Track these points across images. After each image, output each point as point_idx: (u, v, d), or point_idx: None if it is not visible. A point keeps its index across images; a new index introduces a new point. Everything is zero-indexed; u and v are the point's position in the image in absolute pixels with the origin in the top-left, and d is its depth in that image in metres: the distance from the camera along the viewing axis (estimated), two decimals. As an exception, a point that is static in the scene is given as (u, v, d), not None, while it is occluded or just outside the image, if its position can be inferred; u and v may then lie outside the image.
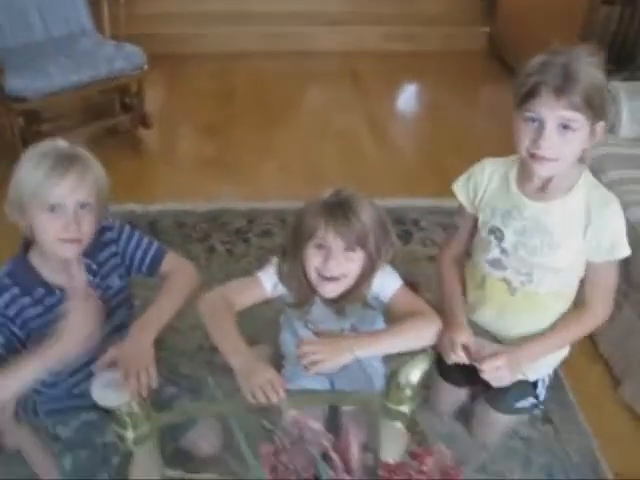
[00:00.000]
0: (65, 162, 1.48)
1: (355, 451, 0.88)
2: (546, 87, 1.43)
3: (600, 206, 1.58)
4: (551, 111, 1.44)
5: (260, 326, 2.11)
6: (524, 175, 1.63)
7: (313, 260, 1.59)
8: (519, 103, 1.49)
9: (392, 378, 1.45)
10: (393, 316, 1.74)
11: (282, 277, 1.69)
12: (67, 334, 1.42)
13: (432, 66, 4.66)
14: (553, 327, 1.73)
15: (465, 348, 1.67)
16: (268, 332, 2.04)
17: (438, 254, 1.91)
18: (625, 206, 2.19)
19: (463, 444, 2.09)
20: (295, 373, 1.77)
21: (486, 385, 1.71)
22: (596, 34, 3.46)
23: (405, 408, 1.46)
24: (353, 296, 1.67)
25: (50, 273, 1.58)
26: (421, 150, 3.80)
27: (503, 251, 1.69)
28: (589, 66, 1.44)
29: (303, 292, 1.69)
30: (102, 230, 1.65)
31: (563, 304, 1.76)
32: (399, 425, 1.49)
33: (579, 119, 1.44)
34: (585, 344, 2.45)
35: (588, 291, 1.69)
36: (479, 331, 1.81)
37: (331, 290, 1.63)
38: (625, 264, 2.18)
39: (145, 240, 1.73)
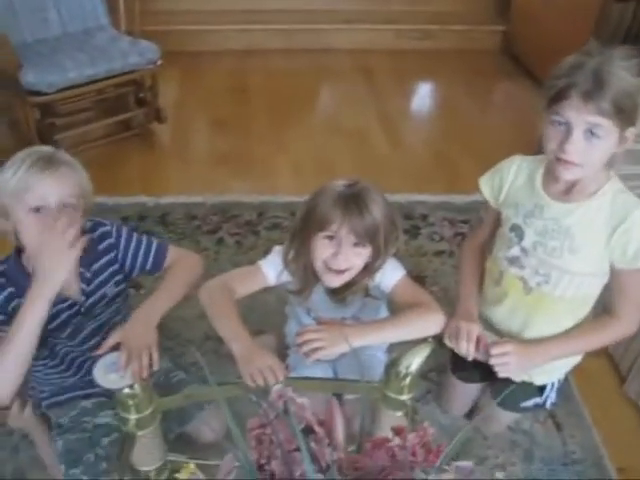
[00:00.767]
0: (45, 162, 1.48)
1: (339, 425, 0.90)
2: (575, 91, 1.39)
3: (625, 212, 1.53)
4: (578, 116, 1.41)
5: (265, 316, 2.14)
6: (550, 175, 1.60)
7: (322, 251, 1.60)
8: (548, 105, 1.46)
9: (392, 367, 1.44)
10: (395, 306, 1.75)
11: (287, 262, 1.70)
12: (47, 267, 1.45)
13: (445, 64, 4.66)
14: (575, 331, 1.70)
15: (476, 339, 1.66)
16: (273, 322, 2.06)
17: (462, 243, 1.90)
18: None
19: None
20: (299, 362, 1.79)
21: (494, 378, 1.70)
22: (610, 31, 3.45)
23: (404, 397, 1.47)
24: (355, 287, 1.69)
25: None
26: (432, 147, 3.80)
27: (523, 250, 1.68)
28: (622, 70, 1.39)
29: (306, 279, 1.70)
30: (100, 237, 1.66)
31: (578, 311, 1.73)
32: (399, 414, 1.50)
33: (606, 125, 1.40)
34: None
35: (616, 299, 1.64)
36: (490, 327, 1.82)
37: (335, 281, 1.64)
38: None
39: (144, 240, 1.73)
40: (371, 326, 1.63)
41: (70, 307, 1.63)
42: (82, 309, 1.65)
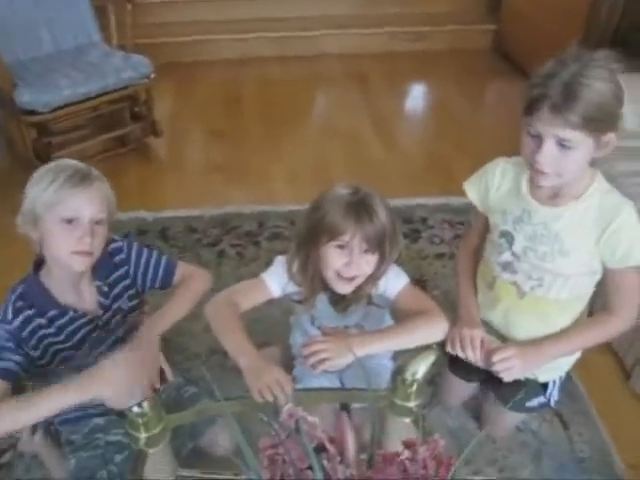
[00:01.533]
0: (81, 177, 1.51)
1: (350, 442, 0.90)
2: (546, 103, 1.38)
3: (613, 212, 1.52)
4: (548, 129, 1.40)
5: (270, 328, 2.14)
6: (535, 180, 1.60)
7: (334, 260, 1.59)
8: (523, 114, 1.46)
9: (398, 374, 1.45)
10: (399, 314, 1.75)
11: (292, 273, 1.70)
12: (112, 382, 1.42)
13: (438, 65, 4.66)
14: (573, 329, 1.69)
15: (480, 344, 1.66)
16: (278, 334, 2.06)
17: (457, 250, 1.91)
18: (630, 199, 2.20)
19: (472, 439, 2.10)
20: (306, 373, 1.79)
21: (496, 380, 1.69)
22: (599, 29, 3.46)
23: (411, 404, 1.48)
24: (359, 294, 1.69)
25: (61, 293, 1.60)
26: (428, 149, 3.81)
27: (514, 254, 1.67)
28: (596, 81, 1.36)
29: (312, 288, 1.70)
30: (112, 252, 1.67)
31: (573, 310, 1.73)
32: (406, 420, 1.51)
33: (577, 137, 1.39)
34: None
35: (610, 297, 1.62)
36: (490, 330, 1.80)
37: (346, 289, 1.64)
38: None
39: (154, 255, 1.75)
40: (375, 335, 1.63)
41: (89, 322, 1.64)
42: (100, 323, 1.66)
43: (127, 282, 1.72)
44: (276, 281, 1.72)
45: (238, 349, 1.56)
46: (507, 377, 1.62)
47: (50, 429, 1.71)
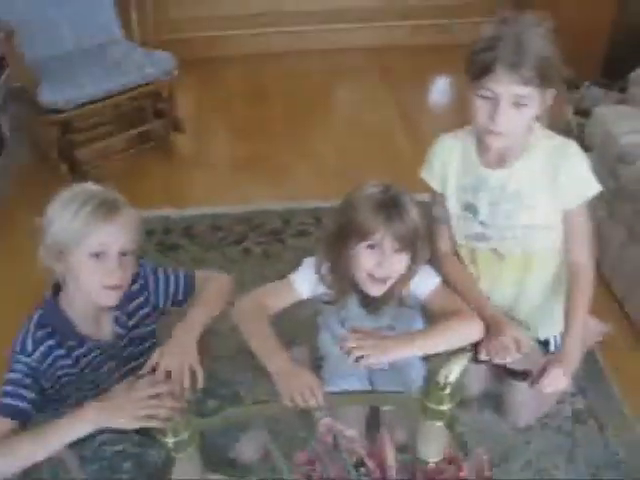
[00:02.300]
0: (109, 206, 1.46)
1: (391, 457, 0.87)
2: (498, 64, 1.44)
3: (561, 153, 1.60)
4: (504, 88, 1.46)
5: (297, 327, 2.10)
6: (482, 147, 1.65)
7: (365, 261, 1.56)
8: (474, 79, 1.51)
9: (431, 377, 1.41)
10: (431, 314, 1.73)
11: (321, 274, 1.67)
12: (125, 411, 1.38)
13: (462, 58, 4.58)
14: (567, 311, 1.68)
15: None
16: (305, 334, 2.03)
17: (435, 254, 1.82)
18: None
19: (506, 441, 2.07)
20: (334, 373, 1.76)
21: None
22: (631, 16, 3.39)
23: (445, 407, 1.44)
24: (391, 295, 1.66)
25: (81, 322, 1.56)
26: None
27: (482, 223, 1.70)
28: (538, 37, 1.46)
29: (343, 289, 1.67)
30: (133, 279, 1.61)
31: (554, 258, 1.77)
32: (439, 424, 1.47)
33: (531, 93, 1.47)
34: (628, 333, 2.43)
35: (571, 246, 1.69)
36: None
37: (378, 290, 1.61)
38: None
39: (171, 274, 1.71)
40: (411, 337, 1.58)
41: (103, 352, 1.61)
42: (113, 352, 1.63)
43: (146, 310, 1.68)
44: (305, 282, 1.69)
45: (267, 352, 1.54)
46: (554, 389, 1.59)
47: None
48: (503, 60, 1.44)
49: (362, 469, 0.83)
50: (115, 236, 1.46)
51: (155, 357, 1.49)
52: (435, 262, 1.77)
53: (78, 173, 3.24)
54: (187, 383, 1.47)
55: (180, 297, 1.71)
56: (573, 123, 2.99)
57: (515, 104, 1.48)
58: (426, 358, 1.83)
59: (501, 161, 1.64)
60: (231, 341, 2.30)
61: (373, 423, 1.82)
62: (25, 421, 1.45)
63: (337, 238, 1.61)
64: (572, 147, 1.63)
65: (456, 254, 1.82)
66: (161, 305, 1.70)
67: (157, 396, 1.39)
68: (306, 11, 4.76)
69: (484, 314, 1.63)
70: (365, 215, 1.53)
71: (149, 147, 3.63)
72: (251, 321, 1.60)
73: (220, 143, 3.83)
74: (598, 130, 2.57)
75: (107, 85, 3.15)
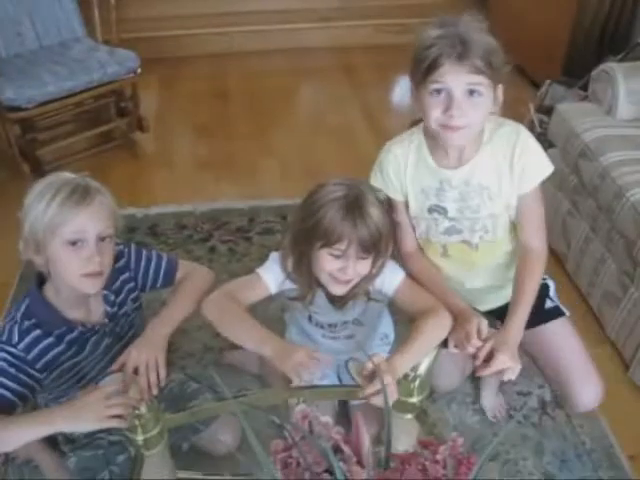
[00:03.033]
0: (81, 193, 1.43)
1: (366, 442, 0.87)
2: (447, 56, 1.45)
3: (515, 137, 1.62)
4: (457, 78, 1.46)
5: (265, 324, 2.10)
6: (437, 148, 1.65)
7: (328, 265, 1.55)
8: (423, 77, 1.50)
9: None
10: (400, 309, 1.74)
11: (286, 270, 1.66)
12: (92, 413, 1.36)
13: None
14: (514, 293, 1.68)
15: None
16: (273, 330, 2.02)
17: (398, 255, 1.81)
18: (627, 187, 2.20)
19: (473, 432, 2.09)
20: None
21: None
22: (589, 19, 3.45)
23: (414, 399, 1.46)
24: (356, 292, 1.66)
25: (68, 309, 1.55)
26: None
27: (452, 219, 1.71)
28: (480, 32, 1.49)
29: (308, 285, 1.66)
30: (115, 257, 1.60)
31: (511, 247, 1.79)
32: (409, 416, 1.48)
33: (483, 82, 1.47)
34: (591, 327, 2.47)
35: (524, 228, 1.70)
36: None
37: (341, 290, 1.61)
38: (628, 246, 2.18)
39: (154, 256, 1.71)
40: (409, 352, 1.51)
41: (96, 333, 1.60)
42: (107, 330, 1.63)
43: (130, 285, 1.68)
44: (272, 277, 1.68)
45: (258, 338, 1.53)
46: (512, 376, 1.58)
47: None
48: (450, 53, 1.44)
49: (337, 455, 0.83)
50: (90, 222, 1.44)
51: (126, 354, 1.49)
52: (401, 262, 1.77)
53: (40, 173, 3.18)
54: (154, 378, 1.47)
55: (159, 283, 1.72)
56: (536, 121, 3.03)
57: (469, 94, 1.48)
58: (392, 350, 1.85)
59: (460, 159, 1.64)
60: (198, 339, 2.33)
61: (342, 418, 1.84)
62: (6, 409, 1.43)
63: (301, 237, 1.59)
64: (522, 131, 1.64)
65: (421, 251, 1.82)
66: (140, 283, 1.70)
67: (123, 394, 1.37)
68: (268, 10, 4.77)
69: (450, 305, 1.64)
70: (330, 222, 1.50)
71: (112, 146, 3.59)
72: (229, 314, 1.57)
73: (184, 142, 3.79)
74: (561, 127, 2.61)
75: (69, 83, 3.10)
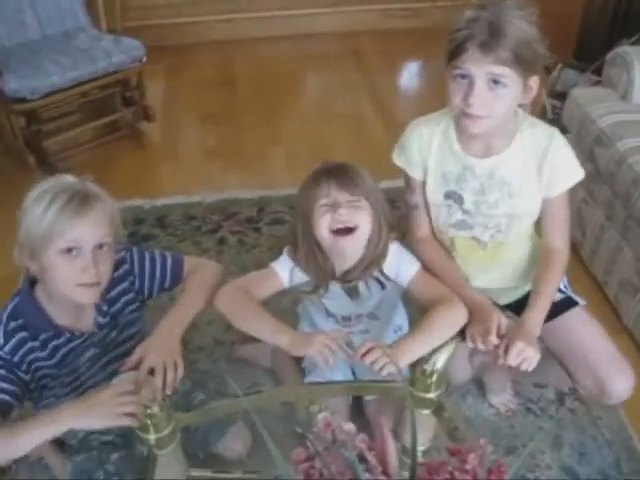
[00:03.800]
0: (79, 200, 1.39)
1: (392, 451, 0.83)
2: (472, 43, 1.40)
3: (547, 140, 1.58)
4: (479, 67, 1.42)
5: (277, 318, 2.08)
6: (464, 134, 1.61)
7: (323, 220, 1.55)
8: (448, 60, 1.47)
9: (418, 365, 1.42)
10: (415, 301, 1.72)
11: (297, 260, 1.65)
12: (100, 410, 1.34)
13: (435, 42, 4.54)
14: (535, 288, 1.65)
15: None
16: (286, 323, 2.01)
17: (411, 241, 1.79)
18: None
19: (489, 425, 2.07)
20: (316, 365, 1.73)
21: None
22: (595, 15, 3.40)
23: (432, 395, 1.44)
24: (365, 265, 1.64)
25: (58, 315, 1.51)
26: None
27: (465, 212, 1.67)
28: (518, 20, 1.42)
29: (321, 273, 1.65)
30: (116, 265, 1.56)
31: (530, 245, 1.78)
32: (426, 412, 1.46)
33: (508, 74, 1.42)
34: (608, 316, 2.42)
35: (550, 231, 1.68)
36: None
37: (348, 243, 1.58)
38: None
39: (158, 258, 1.67)
40: (416, 340, 1.52)
41: (84, 342, 1.57)
42: (95, 341, 1.59)
43: (130, 296, 1.63)
44: (286, 271, 1.67)
45: (275, 329, 1.53)
46: (530, 366, 1.55)
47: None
48: (477, 39, 1.40)
49: (363, 465, 0.80)
50: (88, 232, 1.39)
51: (138, 353, 1.46)
52: (414, 248, 1.74)
53: (46, 164, 3.18)
54: (170, 378, 1.43)
55: (167, 285, 1.67)
56: (548, 106, 2.98)
57: (491, 84, 1.44)
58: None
59: (487, 149, 1.60)
60: (208, 334, 2.31)
61: (356, 413, 1.82)
62: (4, 410, 1.40)
63: (301, 219, 1.62)
64: (556, 135, 1.60)
65: (435, 239, 1.79)
66: (146, 290, 1.66)
67: (136, 394, 1.34)
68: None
69: (466, 299, 1.60)
70: (310, 184, 1.59)
71: (118, 136, 3.57)
72: (244, 305, 1.56)
73: (191, 131, 3.76)
74: (575, 113, 2.56)
75: (74, 73, 3.07)
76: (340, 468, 0.77)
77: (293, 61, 4.50)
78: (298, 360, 1.92)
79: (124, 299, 1.62)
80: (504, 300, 1.83)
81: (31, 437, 1.34)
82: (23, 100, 2.98)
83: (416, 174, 1.70)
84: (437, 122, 1.68)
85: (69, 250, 1.39)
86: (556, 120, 2.74)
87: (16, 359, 1.45)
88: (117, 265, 1.56)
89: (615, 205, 2.35)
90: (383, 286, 1.70)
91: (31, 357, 1.48)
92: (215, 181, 3.25)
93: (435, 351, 1.42)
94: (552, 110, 2.94)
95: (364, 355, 1.44)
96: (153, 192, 3.13)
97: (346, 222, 1.54)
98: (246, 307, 1.56)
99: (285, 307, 2.02)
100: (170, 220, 2.95)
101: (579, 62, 3.19)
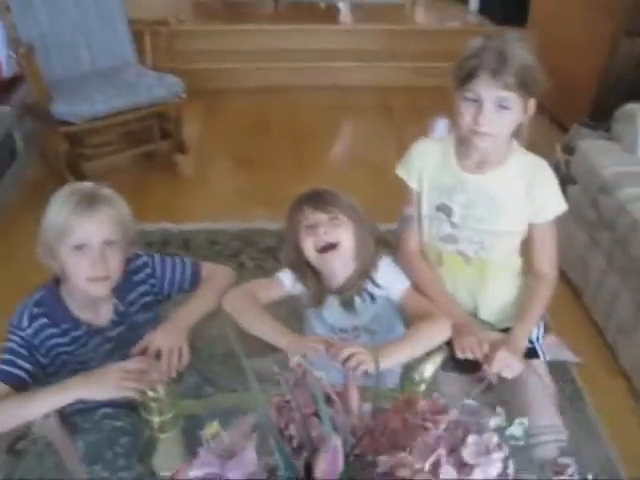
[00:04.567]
0: (87, 201, 1.51)
1: (354, 395, 0.95)
2: (483, 70, 1.56)
3: (536, 169, 1.73)
4: (488, 91, 1.57)
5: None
6: (462, 152, 1.75)
7: (308, 242, 1.67)
8: (460, 84, 1.61)
9: (406, 374, 1.48)
10: (406, 316, 1.79)
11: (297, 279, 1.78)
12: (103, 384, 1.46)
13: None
14: (522, 306, 1.77)
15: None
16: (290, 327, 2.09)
17: (400, 253, 1.89)
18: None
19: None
20: (312, 364, 1.81)
21: None
22: (621, 64, 3.53)
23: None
24: (356, 278, 1.74)
25: (77, 308, 1.62)
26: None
27: (453, 225, 1.78)
28: (520, 49, 1.58)
29: (318, 290, 1.76)
30: (137, 269, 1.69)
31: (513, 263, 1.86)
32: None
33: (513, 98, 1.58)
34: (605, 356, 2.49)
35: (537, 256, 1.78)
36: None
37: (334, 260, 1.68)
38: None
39: (178, 262, 1.77)
40: (399, 345, 1.62)
41: (100, 336, 1.67)
42: (110, 336, 1.68)
43: (148, 298, 1.74)
44: (290, 280, 1.78)
45: (275, 331, 1.62)
46: (510, 374, 1.64)
47: (64, 416, 1.71)
48: (486, 67, 1.55)
49: (328, 405, 0.91)
50: (94, 229, 1.52)
51: (146, 339, 1.58)
52: (403, 261, 1.84)
53: (84, 186, 3.33)
54: (175, 361, 1.55)
55: (186, 287, 1.78)
56: (561, 160, 3.10)
57: (498, 107, 1.59)
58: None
59: (480, 167, 1.74)
60: (221, 344, 2.38)
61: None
62: (20, 387, 1.52)
63: (290, 247, 1.75)
64: (545, 166, 1.74)
65: (423, 254, 1.89)
66: (166, 292, 1.76)
67: (144, 371, 1.46)
68: (311, 49, 4.98)
69: (453, 314, 1.72)
70: (292, 212, 1.72)
71: (153, 165, 3.77)
72: (248, 307, 1.68)
73: (222, 170, 3.94)
74: (582, 164, 2.69)
75: (117, 102, 3.30)
76: (307, 401, 0.88)
77: (325, 111, 4.68)
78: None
79: (142, 301, 1.73)
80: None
81: (42, 403, 1.46)
82: (68, 123, 3.20)
83: (414, 184, 1.84)
84: (439, 141, 1.85)
85: (79, 247, 1.52)
86: (568, 174, 2.86)
87: (37, 342, 1.57)
88: (139, 269, 1.70)
89: (615, 250, 2.44)
90: (373, 299, 1.77)
91: (52, 342, 1.59)
92: (240, 213, 3.39)
93: (422, 360, 1.49)
94: (565, 164, 3.05)
95: (342, 349, 1.52)
96: (181, 218, 3.30)
97: (328, 239, 1.66)
98: (250, 309, 1.68)
99: (285, 316, 2.10)
100: (194, 243, 3.10)
101: (594, 122, 3.32)
